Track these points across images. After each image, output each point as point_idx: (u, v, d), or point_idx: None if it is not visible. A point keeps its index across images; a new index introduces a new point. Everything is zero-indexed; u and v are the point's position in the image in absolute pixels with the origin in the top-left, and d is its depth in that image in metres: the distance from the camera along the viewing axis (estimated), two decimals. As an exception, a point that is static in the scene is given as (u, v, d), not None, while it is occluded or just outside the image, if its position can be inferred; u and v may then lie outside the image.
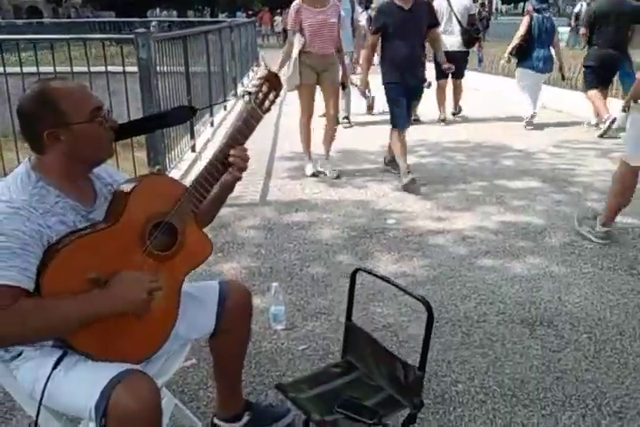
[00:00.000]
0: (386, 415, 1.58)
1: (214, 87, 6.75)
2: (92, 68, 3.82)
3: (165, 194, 1.54)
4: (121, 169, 3.41)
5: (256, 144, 5.94)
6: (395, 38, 4.43)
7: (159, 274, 1.49)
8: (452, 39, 6.76)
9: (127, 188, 1.51)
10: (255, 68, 12.82)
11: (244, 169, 1.66)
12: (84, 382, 1.38)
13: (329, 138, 5.02)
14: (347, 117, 7.11)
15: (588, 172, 4.97)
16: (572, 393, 2.16)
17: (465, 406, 2.10)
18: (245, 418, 1.93)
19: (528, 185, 4.63)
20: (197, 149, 5.41)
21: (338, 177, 4.81)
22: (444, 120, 7.11)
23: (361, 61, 4.74)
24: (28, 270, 1.32)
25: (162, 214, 1.51)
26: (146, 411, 1.32)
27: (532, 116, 6.74)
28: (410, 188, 4.42)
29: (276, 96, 1.69)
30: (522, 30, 6.50)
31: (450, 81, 7.05)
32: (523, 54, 6.59)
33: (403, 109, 4.58)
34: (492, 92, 9.35)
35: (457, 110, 7.53)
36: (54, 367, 1.40)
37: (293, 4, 4.56)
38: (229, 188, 1.71)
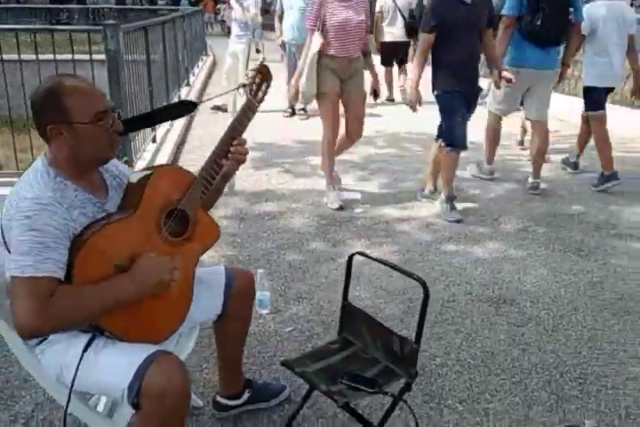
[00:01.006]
0: (384, 385, 1.75)
1: (170, 76, 6.73)
2: (58, 56, 3.79)
3: (176, 183, 1.64)
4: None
5: (217, 136, 6.04)
6: (452, 37, 3.64)
7: (175, 259, 1.60)
8: (396, 31, 7.74)
9: (142, 178, 1.60)
10: (204, 58, 12.70)
11: (242, 162, 1.77)
12: (115, 364, 1.47)
13: (327, 157, 4.18)
14: (303, 109, 7.23)
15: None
16: (537, 362, 2.40)
17: (444, 378, 2.30)
18: (246, 395, 2.06)
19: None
20: (158, 140, 5.41)
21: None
22: (392, 100, 8.16)
23: (412, 68, 3.87)
24: (60, 262, 1.40)
25: (174, 202, 1.61)
26: (177, 389, 1.43)
27: None
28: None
29: (268, 87, 1.83)
30: None
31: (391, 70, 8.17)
32: None
33: (464, 125, 3.82)
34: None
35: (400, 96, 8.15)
36: (84, 350, 1.48)
37: None
38: (228, 177, 1.82)
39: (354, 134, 4.12)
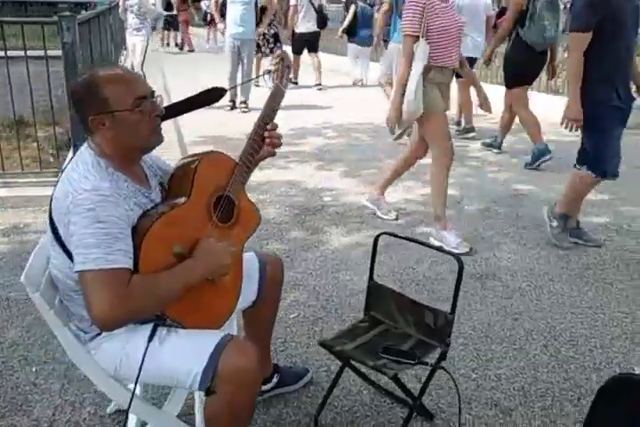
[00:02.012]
0: (421, 356, 1.84)
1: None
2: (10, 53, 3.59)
3: (220, 169, 1.65)
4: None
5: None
6: (609, 38, 2.99)
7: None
8: (310, 24, 8.77)
9: (190, 166, 1.59)
10: (124, 52, 12.27)
11: (279, 146, 1.79)
12: (184, 351, 1.46)
13: (441, 190, 3.42)
14: (244, 102, 7.19)
15: (479, 147, 5.58)
16: (531, 329, 2.58)
17: (452, 349, 2.40)
18: (275, 379, 2.09)
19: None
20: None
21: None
22: (319, 85, 9.10)
23: (570, 80, 3.14)
24: (129, 251, 1.38)
25: (221, 188, 1.62)
26: (254, 367, 1.45)
27: (359, 80, 9.45)
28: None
29: (289, 73, 1.87)
30: (349, 16, 8.90)
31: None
32: (351, 33, 8.98)
33: (619, 148, 3.16)
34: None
35: (318, 82, 9.17)
36: (149, 340, 1.47)
37: None
38: (258, 162, 1.83)
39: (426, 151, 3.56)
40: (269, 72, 1.81)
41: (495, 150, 5.44)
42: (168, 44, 16.01)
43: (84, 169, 1.44)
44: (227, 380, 1.42)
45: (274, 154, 1.79)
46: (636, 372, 1.56)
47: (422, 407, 1.96)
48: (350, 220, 3.76)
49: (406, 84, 3.20)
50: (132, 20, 6.89)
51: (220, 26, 7.24)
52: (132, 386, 1.86)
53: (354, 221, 3.75)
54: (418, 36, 3.16)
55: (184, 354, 1.46)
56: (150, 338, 1.47)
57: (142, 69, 7.06)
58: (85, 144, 1.52)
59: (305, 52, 9.05)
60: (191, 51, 15.56)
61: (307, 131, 6.07)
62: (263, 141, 1.74)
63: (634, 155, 5.22)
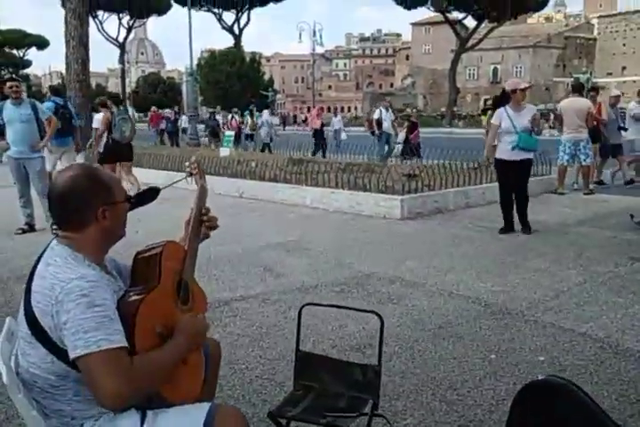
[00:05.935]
0: (359, 408, 2.07)
1: None
2: None
3: (176, 255, 1.82)
4: None
5: None
6: None
7: None
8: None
9: (154, 253, 1.74)
10: None
11: (215, 228, 2.01)
12: (180, 424, 1.53)
13: None
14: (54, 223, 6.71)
15: (312, 238, 6.16)
16: (417, 383, 2.96)
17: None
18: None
19: (280, 256, 5.50)
20: None
21: None
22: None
23: None
24: (123, 331, 1.48)
25: (179, 273, 1.78)
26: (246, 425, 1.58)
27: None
28: None
29: (203, 171, 2.13)
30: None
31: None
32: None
33: None
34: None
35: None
36: (142, 425, 1.51)
37: None
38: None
39: None
40: (191, 175, 2.06)
41: None
42: None
43: (62, 262, 1.53)
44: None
45: (209, 236, 2.00)
46: (540, 378, 1.95)
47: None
48: (213, 316, 3.89)
49: None
50: None
51: (2, 144, 6.88)
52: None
53: (216, 317, 3.88)
54: None
55: (181, 427, 1.53)
56: (142, 423, 1.51)
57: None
58: (54, 242, 1.60)
59: None
60: None
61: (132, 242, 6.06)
62: (201, 225, 1.94)
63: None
